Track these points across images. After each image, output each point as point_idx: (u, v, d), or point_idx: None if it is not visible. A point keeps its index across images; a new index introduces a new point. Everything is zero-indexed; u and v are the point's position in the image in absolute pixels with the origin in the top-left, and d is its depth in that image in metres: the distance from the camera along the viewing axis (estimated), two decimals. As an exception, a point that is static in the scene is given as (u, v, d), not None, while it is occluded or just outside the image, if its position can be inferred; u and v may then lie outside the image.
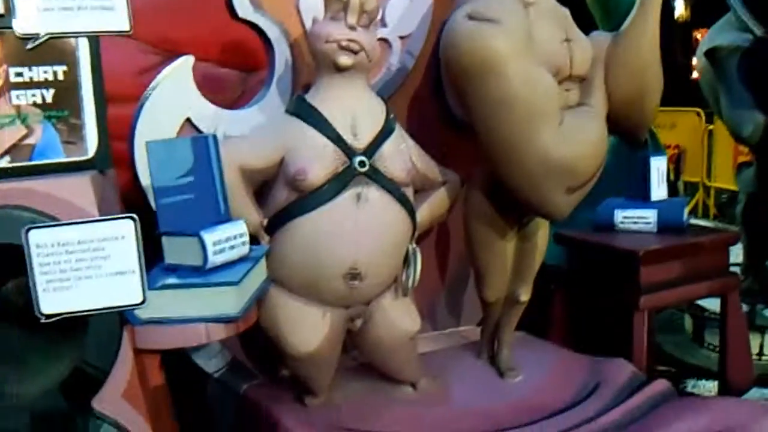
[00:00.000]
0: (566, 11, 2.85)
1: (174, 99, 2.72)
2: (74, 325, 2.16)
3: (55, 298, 2.06)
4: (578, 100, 2.82)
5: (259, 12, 2.85)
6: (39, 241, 2.04)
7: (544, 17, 2.72)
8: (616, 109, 2.86)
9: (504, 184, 2.72)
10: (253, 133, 2.71)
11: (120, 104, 2.73)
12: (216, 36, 3.50)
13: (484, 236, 2.91)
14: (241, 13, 2.83)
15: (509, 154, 2.61)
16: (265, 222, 2.63)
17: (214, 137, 2.40)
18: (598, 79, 2.84)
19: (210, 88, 3.11)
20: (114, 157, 2.43)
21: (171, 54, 3.56)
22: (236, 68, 3.74)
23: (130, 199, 2.59)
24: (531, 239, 3.01)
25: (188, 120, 2.76)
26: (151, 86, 2.71)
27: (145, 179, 2.61)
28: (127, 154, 2.67)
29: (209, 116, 2.78)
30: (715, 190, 9.61)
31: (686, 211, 3.93)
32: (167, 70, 2.74)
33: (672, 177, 5.74)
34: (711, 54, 4.85)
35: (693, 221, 7.56)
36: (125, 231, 2.10)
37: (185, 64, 2.76)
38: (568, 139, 2.62)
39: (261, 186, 2.66)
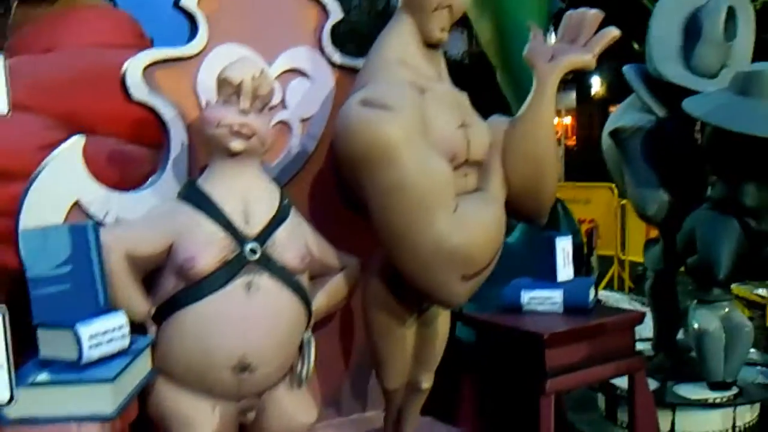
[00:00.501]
0: (464, 96, 2.87)
1: (62, 181, 2.63)
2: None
3: None
4: (476, 185, 2.82)
5: (154, 93, 2.80)
6: None
7: (440, 102, 2.72)
8: (513, 193, 2.87)
9: (399, 270, 2.67)
10: (142, 217, 2.63)
11: (19, 181, 2.64)
12: (123, 111, 3.43)
13: (383, 323, 2.85)
14: (135, 95, 2.78)
15: (403, 242, 2.58)
16: (153, 311, 2.54)
17: (94, 225, 2.32)
18: (495, 164, 2.85)
19: (117, 164, 3.04)
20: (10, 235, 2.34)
21: (76, 130, 3.49)
22: (144, 144, 3.66)
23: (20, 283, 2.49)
24: (431, 325, 2.96)
25: (77, 203, 2.67)
26: (38, 167, 2.62)
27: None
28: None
29: (99, 199, 2.69)
30: (629, 263, 9.76)
31: (592, 291, 3.94)
32: (56, 152, 2.66)
33: (585, 251, 5.82)
34: (615, 134, 4.95)
35: (605, 295, 7.70)
36: (-11, 324, 1.99)
37: (75, 144, 2.69)
38: (463, 226, 2.59)
39: (149, 273, 2.57)
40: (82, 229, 2.29)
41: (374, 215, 2.59)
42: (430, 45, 2.85)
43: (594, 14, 2.89)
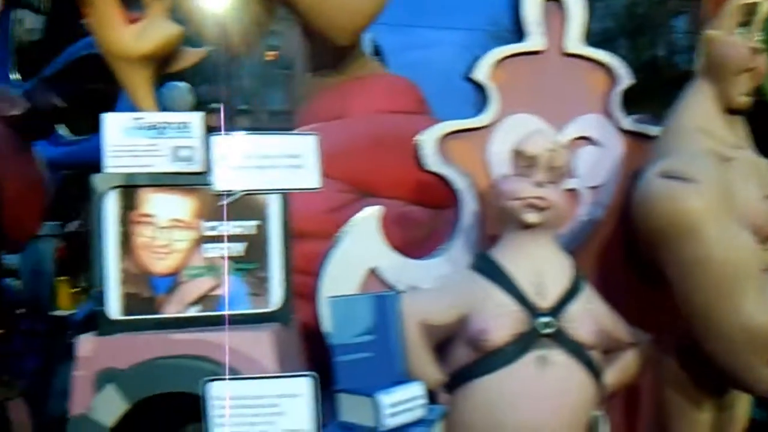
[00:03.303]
0: (766, 163, 2.69)
1: (361, 249, 2.75)
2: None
3: (229, 451, 2.05)
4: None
5: (448, 164, 2.85)
6: (218, 393, 2.05)
7: (744, 172, 2.57)
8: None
9: (701, 350, 2.52)
10: (436, 287, 2.67)
11: (312, 240, 2.79)
12: (408, 175, 3.55)
13: (678, 405, 2.70)
14: (429, 165, 2.85)
15: (706, 319, 2.43)
16: (445, 380, 2.55)
17: (396, 296, 2.37)
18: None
19: (400, 225, 3.13)
20: (305, 291, 2.46)
21: (363, 192, 3.66)
22: (427, 206, 3.76)
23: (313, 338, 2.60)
24: (730, 410, 2.75)
25: (373, 270, 2.76)
26: (338, 235, 2.75)
27: (327, 326, 2.62)
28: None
29: (394, 267, 2.77)
30: None
31: None
32: (355, 220, 2.78)
33: None
34: None
35: None
36: (302, 389, 2.08)
37: (374, 214, 2.78)
38: (771, 306, 2.40)
39: (440, 343, 2.60)
40: (385, 298, 2.35)
41: (676, 290, 2.47)
42: (731, 111, 2.70)
43: None
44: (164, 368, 2.24)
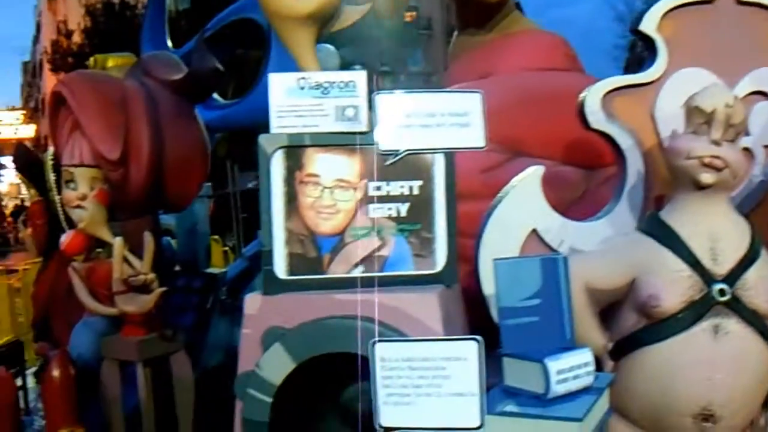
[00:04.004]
0: None
1: (522, 210, 2.67)
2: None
3: (393, 412, 2.03)
4: None
5: (612, 121, 2.73)
6: (385, 354, 2.03)
7: None
8: None
9: None
10: (603, 250, 2.57)
11: (466, 201, 2.74)
12: (560, 134, 3.45)
13: None
14: (593, 124, 2.74)
15: None
16: (610, 346, 2.47)
17: (565, 259, 2.29)
18: None
19: (552, 186, 3.03)
20: (462, 253, 2.42)
21: (514, 152, 3.57)
22: (579, 166, 3.64)
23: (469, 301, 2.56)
24: None
25: (534, 231, 2.69)
26: (498, 196, 2.68)
27: (488, 289, 2.57)
28: (471, 251, 2.67)
29: (556, 228, 2.69)
30: None
31: None
32: (516, 180, 2.70)
33: None
34: None
35: None
36: (468, 352, 2.03)
37: (535, 174, 2.70)
38: None
39: (605, 307, 2.51)
40: (553, 261, 2.27)
41: None
42: None
43: None
44: (332, 328, 2.24)
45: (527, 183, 2.69)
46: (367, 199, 2.30)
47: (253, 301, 2.34)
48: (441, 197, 2.32)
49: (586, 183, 3.63)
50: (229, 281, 5.08)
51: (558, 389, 2.15)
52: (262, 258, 2.36)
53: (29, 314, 7.53)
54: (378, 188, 2.30)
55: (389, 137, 2.24)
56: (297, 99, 2.28)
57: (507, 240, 2.64)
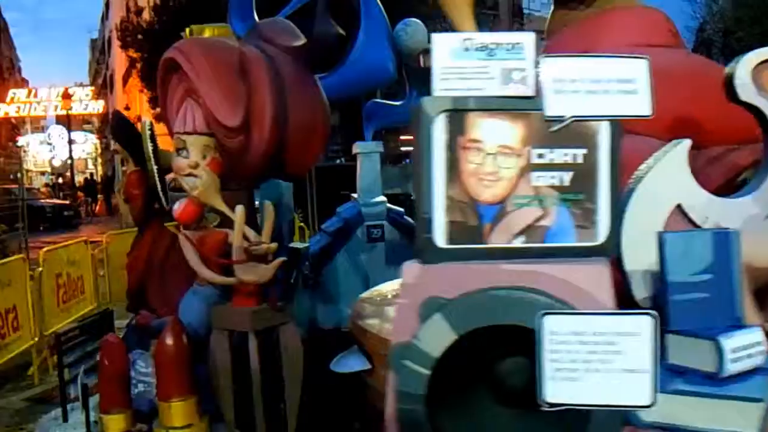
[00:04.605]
0: None
1: (667, 184, 2.57)
2: (575, 417, 2.06)
3: (560, 388, 1.96)
4: None
5: (762, 94, 2.63)
6: (554, 327, 1.95)
7: None
8: None
9: None
10: (762, 228, 2.48)
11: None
12: (664, 112, 3.35)
13: None
14: (743, 96, 2.64)
15: None
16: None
17: (737, 234, 2.20)
18: None
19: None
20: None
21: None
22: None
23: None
24: None
25: (678, 206, 2.60)
26: (642, 168, 2.60)
27: (630, 265, 2.48)
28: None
29: (701, 204, 2.59)
30: None
31: None
32: (660, 153, 2.61)
33: None
34: None
35: None
36: (642, 327, 1.96)
37: (681, 148, 2.61)
38: None
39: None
40: (725, 236, 2.19)
41: None
42: None
43: None
44: (496, 299, 2.16)
45: (673, 156, 2.60)
46: (530, 167, 2.22)
47: (410, 270, 2.27)
48: (605, 166, 2.23)
49: (692, 163, 3.53)
50: (311, 256, 5.05)
51: (731, 368, 2.07)
52: (418, 225, 2.28)
53: (112, 284, 7.62)
54: (541, 156, 2.22)
55: (555, 102, 2.17)
56: (462, 61, 2.20)
57: (651, 214, 2.54)
